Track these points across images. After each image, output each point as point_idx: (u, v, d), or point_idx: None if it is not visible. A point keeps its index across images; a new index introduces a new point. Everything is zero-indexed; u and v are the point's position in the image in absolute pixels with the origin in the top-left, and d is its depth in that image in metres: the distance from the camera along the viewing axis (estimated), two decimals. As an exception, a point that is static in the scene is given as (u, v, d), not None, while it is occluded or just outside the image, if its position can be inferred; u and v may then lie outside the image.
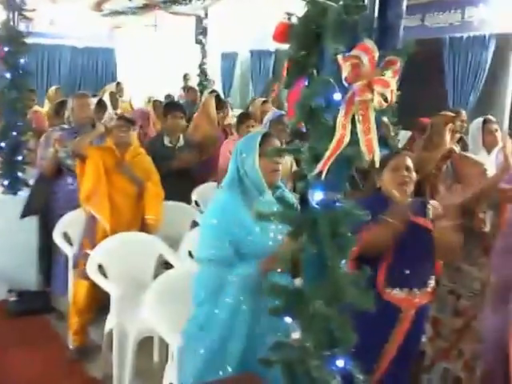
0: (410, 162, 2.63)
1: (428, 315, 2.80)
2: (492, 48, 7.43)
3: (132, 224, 3.78)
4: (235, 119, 5.25)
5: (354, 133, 1.60)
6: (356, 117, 1.58)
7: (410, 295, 2.57)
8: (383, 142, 4.73)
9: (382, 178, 2.65)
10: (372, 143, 1.59)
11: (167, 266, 3.58)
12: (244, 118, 5.03)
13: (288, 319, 1.73)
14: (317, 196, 1.68)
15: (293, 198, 2.33)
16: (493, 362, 3.35)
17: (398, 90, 1.66)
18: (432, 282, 2.64)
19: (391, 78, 1.57)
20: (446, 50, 7.94)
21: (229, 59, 12.48)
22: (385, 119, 4.70)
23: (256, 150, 2.35)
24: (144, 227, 3.80)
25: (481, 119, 4.03)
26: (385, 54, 1.60)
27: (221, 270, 2.30)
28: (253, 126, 4.72)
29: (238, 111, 7.23)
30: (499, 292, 3.31)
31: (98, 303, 3.78)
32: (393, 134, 5.29)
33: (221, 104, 6.15)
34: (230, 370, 2.28)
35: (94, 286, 3.53)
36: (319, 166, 1.62)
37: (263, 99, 6.38)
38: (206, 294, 2.35)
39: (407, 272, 2.55)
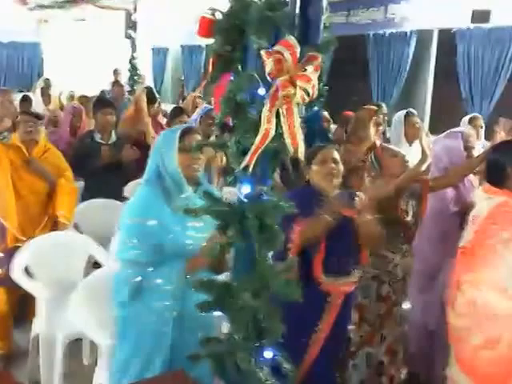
0: (336, 155, 2.70)
1: (352, 303, 2.89)
2: (413, 44, 7.70)
3: (43, 222, 3.67)
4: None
5: (279, 126, 1.63)
6: (280, 111, 1.61)
7: (337, 283, 2.65)
8: (324, 135, 4.82)
9: (310, 171, 2.70)
10: (296, 137, 1.63)
11: (98, 265, 3.51)
12: (177, 113, 4.99)
13: (217, 313, 1.74)
14: (244, 189, 1.70)
15: (217, 193, 2.30)
16: (417, 343, 3.51)
17: (325, 85, 1.70)
18: (357, 271, 2.72)
19: (313, 73, 1.61)
20: (371, 46, 8.16)
21: (160, 54, 12.36)
22: (325, 113, 4.77)
23: (175, 146, 2.29)
24: (55, 225, 3.70)
25: (403, 112, 4.17)
26: (306, 50, 1.63)
27: (142, 270, 2.24)
28: (185, 122, 4.69)
29: (169, 106, 7.17)
30: (426, 277, 3.47)
31: (16, 309, 3.68)
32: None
33: (152, 98, 6.07)
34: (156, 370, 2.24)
35: (9, 292, 3.43)
36: (246, 159, 1.64)
37: (195, 94, 6.36)
38: (128, 295, 2.26)
39: (334, 261, 2.62)
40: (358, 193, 2.62)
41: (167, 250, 2.25)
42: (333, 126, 5.43)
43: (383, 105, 5.18)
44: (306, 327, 2.62)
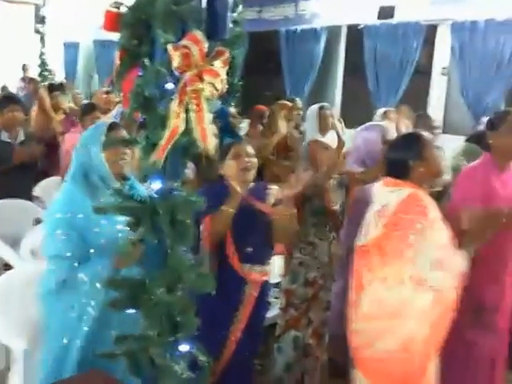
0: (250, 149, 2.72)
1: (268, 294, 2.94)
2: (323, 40, 7.89)
3: None
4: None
5: (189, 122, 1.63)
6: (189, 106, 1.61)
7: (254, 271, 2.69)
8: (231, 131, 4.87)
9: (224, 166, 2.72)
10: (206, 132, 1.63)
11: (7, 267, 3.38)
12: (89, 109, 4.87)
13: (131, 310, 1.73)
14: (155, 185, 1.69)
15: (142, 189, 2.29)
16: (336, 326, 3.61)
17: (239, 80, 1.72)
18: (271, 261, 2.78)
19: (221, 67, 1.62)
20: (283, 42, 8.29)
21: (71, 49, 11.98)
22: (232, 109, 4.82)
23: (101, 141, 2.29)
24: None
25: (317, 106, 4.29)
26: (215, 45, 1.64)
27: (67, 266, 2.20)
28: (98, 118, 4.59)
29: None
30: (342, 261, 3.59)
31: None
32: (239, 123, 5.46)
33: (55, 89, 5.88)
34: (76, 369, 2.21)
35: None
36: (155, 155, 1.63)
37: (106, 90, 6.23)
38: (53, 291, 2.22)
39: (249, 250, 2.65)
40: (271, 186, 2.67)
41: (94, 244, 2.23)
42: (245, 121, 5.50)
43: (298, 100, 5.30)
44: (225, 319, 2.65)
